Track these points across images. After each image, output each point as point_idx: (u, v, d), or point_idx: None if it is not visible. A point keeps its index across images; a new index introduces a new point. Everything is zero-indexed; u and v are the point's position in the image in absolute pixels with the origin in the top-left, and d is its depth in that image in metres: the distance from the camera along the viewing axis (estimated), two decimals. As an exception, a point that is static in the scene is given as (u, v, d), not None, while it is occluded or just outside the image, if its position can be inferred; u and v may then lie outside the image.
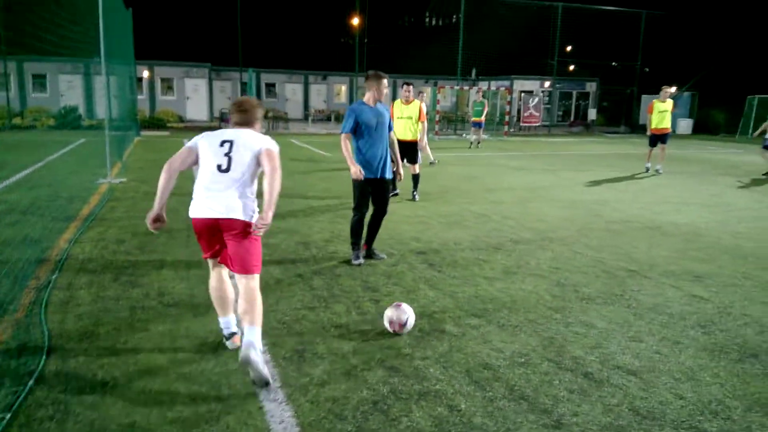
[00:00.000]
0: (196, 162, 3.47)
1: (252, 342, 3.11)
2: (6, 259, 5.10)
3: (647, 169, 13.47)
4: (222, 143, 3.40)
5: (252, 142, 3.42)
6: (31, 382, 3.12)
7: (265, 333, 3.85)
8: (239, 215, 3.30)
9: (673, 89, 12.90)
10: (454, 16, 31.58)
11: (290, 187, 10.00)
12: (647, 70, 36.01)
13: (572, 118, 36.04)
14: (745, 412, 3.04)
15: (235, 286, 3.55)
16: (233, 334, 3.61)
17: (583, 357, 3.66)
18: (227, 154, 3.36)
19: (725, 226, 7.69)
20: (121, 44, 16.56)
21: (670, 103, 13.21)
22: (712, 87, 32.79)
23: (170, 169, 3.43)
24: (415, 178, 9.24)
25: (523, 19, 31.13)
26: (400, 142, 6.70)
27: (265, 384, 3.12)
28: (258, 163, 3.39)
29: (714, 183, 12.01)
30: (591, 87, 36.84)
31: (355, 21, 31.95)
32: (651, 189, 10.98)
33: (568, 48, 37.94)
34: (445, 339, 3.88)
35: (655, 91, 35.05)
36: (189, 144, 3.49)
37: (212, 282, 3.62)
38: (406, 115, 8.95)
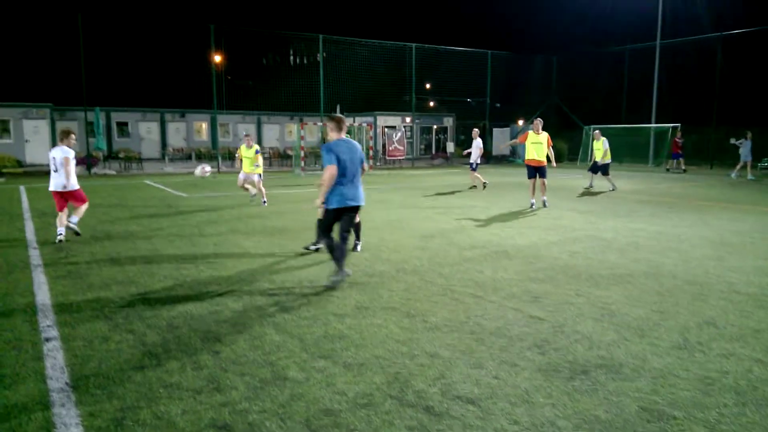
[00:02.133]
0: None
1: None
2: None
3: (532, 205, 12.91)
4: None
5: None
6: None
7: (80, 402, 3.42)
8: None
9: (540, 121, 13.00)
10: (318, 54, 32.02)
11: (136, 232, 9.30)
12: (498, 105, 38.91)
13: (434, 151, 37.80)
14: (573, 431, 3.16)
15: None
16: None
17: (425, 390, 3.64)
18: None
19: (561, 246, 8.29)
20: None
21: (545, 135, 12.78)
22: (555, 119, 36.16)
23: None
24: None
25: (382, 57, 32.37)
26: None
27: None
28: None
29: (556, 207, 13.01)
30: (449, 121, 39.00)
31: (217, 58, 31.25)
32: (499, 216, 11.63)
33: (428, 85, 40.05)
34: (287, 387, 3.68)
35: (505, 124, 37.79)
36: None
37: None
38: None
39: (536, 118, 13.39)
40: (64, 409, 3.35)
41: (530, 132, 13.07)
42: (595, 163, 17.60)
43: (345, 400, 3.51)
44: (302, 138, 25.54)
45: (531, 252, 7.89)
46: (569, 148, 34.43)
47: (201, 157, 30.37)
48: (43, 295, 5.71)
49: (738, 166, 22.56)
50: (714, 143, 30.82)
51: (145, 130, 32.32)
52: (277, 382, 3.76)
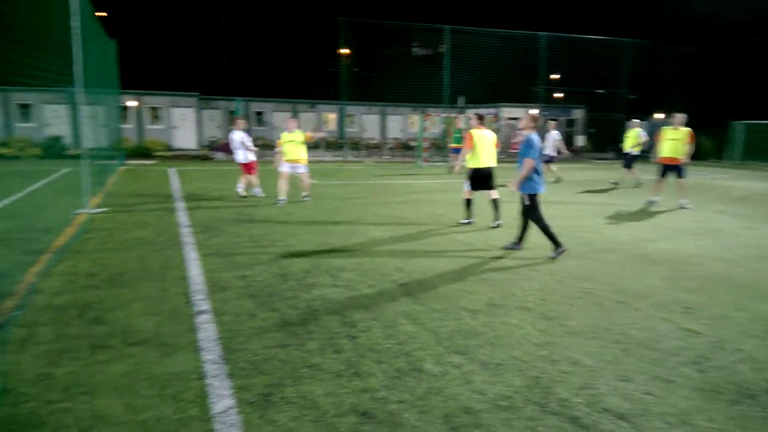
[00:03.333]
0: None
1: None
2: (-35, 295, 4.85)
3: (650, 202, 12.34)
4: None
5: None
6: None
7: (232, 375, 3.63)
8: None
9: (683, 116, 11.89)
10: (440, 46, 31.88)
11: (272, 216, 9.80)
12: (635, 97, 36.44)
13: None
14: (742, 460, 2.83)
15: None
16: None
17: (569, 399, 3.45)
18: None
19: (716, 253, 7.55)
20: (105, 74, 16.49)
21: (682, 131, 11.74)
22: (698, 113, 33.17)
23: None
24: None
25: (509, 47, 31.52)
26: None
27: None
28: None
29: (705, 209, 11.92)
30: (578, 114, 37.17)
31: (344, 51, 32.21)
32: (638, 216, 10.86)
33: (556, 76, 38.42)
34: (424, 380, 3.66)
35: (642, 118, 35.41)
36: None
37: None
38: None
39: (677, 112, 12.22)
40: (217, 380, 3.58)
41: (666, 129, 12.08)
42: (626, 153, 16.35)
43: (484, 399, 3.42)
44: (425, 129, 25.55)
45: (678, 258, 7.26)
46: (713, 145, 31.43)
47: (329, 147, 31.49)
48: (194, 270, 6.17)
49: None
50: None
51: (279, 119, 34.09)
52: (414, 373, 3.75)
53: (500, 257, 7.12)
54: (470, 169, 9.15)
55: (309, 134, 11.84)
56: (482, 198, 9.67)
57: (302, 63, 38.35)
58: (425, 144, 25.46)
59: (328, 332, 4.45)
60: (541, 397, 3.46)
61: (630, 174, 16.36)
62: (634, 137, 15.99)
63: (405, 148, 32.46)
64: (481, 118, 9.27)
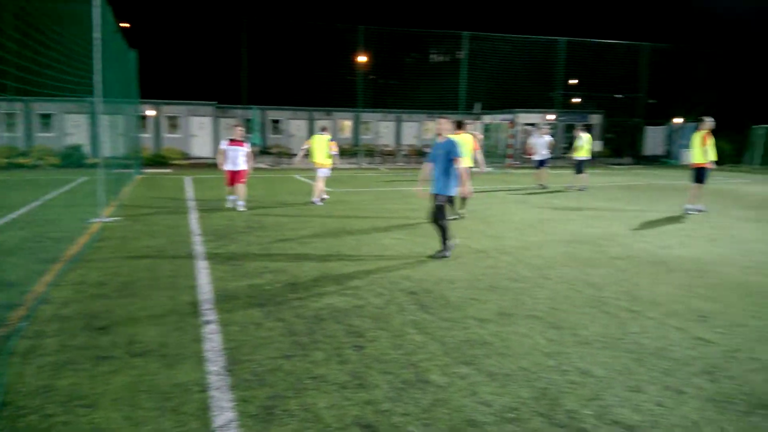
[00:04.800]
0: None
1: None
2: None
3: (697, 211, 11.95)
4: None
5: None
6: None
7: (235, 386, 3.61)
8: None
9: (711, 120, 11.91)
10: (458, 53, 31.83)
11: (285, 223, 9.81)
12: (654, 101, 36.01)
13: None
14: (756, 477, 2.73)
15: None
16: None
17: (578, 410, 3.36)
18: None
19: (732, 260, 7.38)
20: (126, 84, 16.72)
21: (699, 134, 11.89)
22: (716, 117, 32.69)
23: None
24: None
25: (527, 53, 31.36)
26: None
27: None
28: None
29: (722, 215, 11.68)
30: (596, 119, 36.80)
31: (362, 58, 32.29)
32: (653, 223, 10.68)
33: (574, 81, 38.15)
34: (429, 391, 3.60)
35: (661, 122, 34.86)
36: None
37: None
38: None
39: (706, 117, 12.16)
40: (220, 392, 3.55)
41: (700, 132, 12.01)
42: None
43: (490, 411, 3.35)
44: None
45: (694, 265, 7.11)
46: (734, 149, 30.87)
47: (343, 155, 31.55)
48: (203, 279, 6.18)
49: None
50: None
51: (295, 127, 34.25)
52: (420, 384, 3.69)
53: (513, 265, 7.02)
54: None
55: (333, 145, 12.68)
56: (496, 206, 9.56)
57: (319, 70, 38.55)
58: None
59: (335, 342, 4.41)
60: (548, 408, 3.39)
61: (579, 179, 16.75)
62: (587, 144, 16.65)
63: (419, 154, 32.41)
64: (459, 124, 10.50)
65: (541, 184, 17.28)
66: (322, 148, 12.53)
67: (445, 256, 7.36)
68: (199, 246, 7.95)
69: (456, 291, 5.85)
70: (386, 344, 4.37)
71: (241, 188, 11.58)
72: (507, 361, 4.09)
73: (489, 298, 5.63)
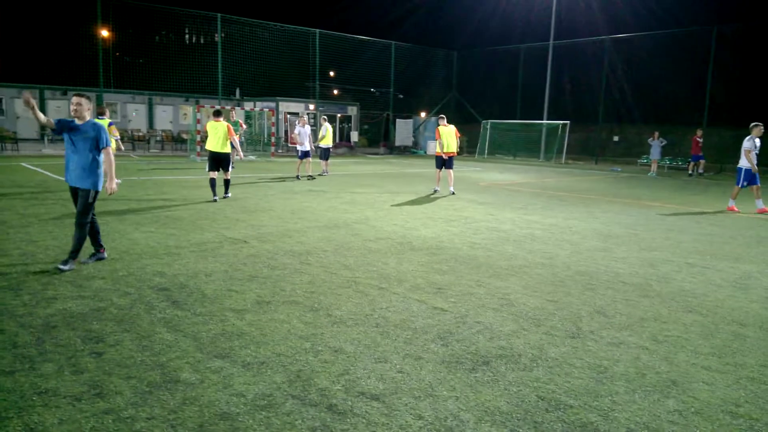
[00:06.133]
0: None
1: None
2: None
3: (435, 191, 14.40)
4: None
5: None
6: None
7: (-72, 419, 2.95)
8: None
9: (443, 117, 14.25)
10: (216, 35, 30.62)
11: (9, 220, 8.37)
12: (401, 96, 39.35)
13: (337, 140, 37.56)
14: (476, 424, 3.15)
15: None
16: None
17: (329, 387, 3.51)
18: None
19: (463, 238, 8.46)
20: None
21: (453, 128, 14.30)
22: (455, 113, 37.19)
23: None
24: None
25: (284, 42, 31.60)
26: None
27: None
28: None
29: (458, 199, 13.31)
30: (353, 110, 38.89)
31: (104, 33, 28.98)
32: (402, 207, 11.72)
33: (332, 73, 39.66)
34: (179, 390, 3.40)
35: (408, 116, 38.31)
36: None
37: None
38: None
39: (439, 113, 14.41)
40: None
41: (441, 126, 14.07)
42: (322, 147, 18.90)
43: (243, 402, 3.30)
44: (198, 121, 24.32)
45: (434, 243, 7.97)
46: (467, 141, 35.57)
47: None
48: None
49: (654, 166, 24.15)
50: (599, 140, 33.05)
51: (22, 108, 29.48)
52: (168, 385, 3.47)
53: (274, 253, 7.04)
54: (208, 151, 11.75)
55: (113, 129, 12.89)
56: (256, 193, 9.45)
57: (51, 43, 33.61)
58: (198, 137, 24.25)
59: (69, 351, 3.90)
60: (301, 390, 3.46)
61: (325, 164, 18.91)
62: (328, 133, 18.59)
63: (176, 141, 30.58)
64: (218, 113, 11.79)
65: (309, 175, 17.49)
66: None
67: (88, 261, 6.31)
68: None
69: (213, 284, 5.65)
70: (131, 347, 4.02)
71: None
72: (263, 349, 4.07)
73: (248, 288, 5.55)
